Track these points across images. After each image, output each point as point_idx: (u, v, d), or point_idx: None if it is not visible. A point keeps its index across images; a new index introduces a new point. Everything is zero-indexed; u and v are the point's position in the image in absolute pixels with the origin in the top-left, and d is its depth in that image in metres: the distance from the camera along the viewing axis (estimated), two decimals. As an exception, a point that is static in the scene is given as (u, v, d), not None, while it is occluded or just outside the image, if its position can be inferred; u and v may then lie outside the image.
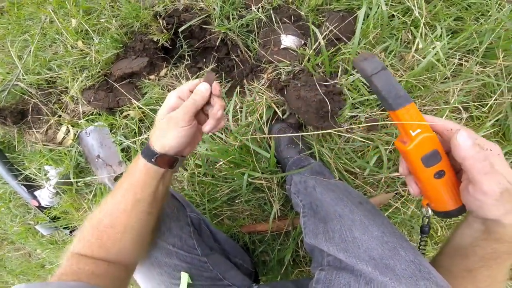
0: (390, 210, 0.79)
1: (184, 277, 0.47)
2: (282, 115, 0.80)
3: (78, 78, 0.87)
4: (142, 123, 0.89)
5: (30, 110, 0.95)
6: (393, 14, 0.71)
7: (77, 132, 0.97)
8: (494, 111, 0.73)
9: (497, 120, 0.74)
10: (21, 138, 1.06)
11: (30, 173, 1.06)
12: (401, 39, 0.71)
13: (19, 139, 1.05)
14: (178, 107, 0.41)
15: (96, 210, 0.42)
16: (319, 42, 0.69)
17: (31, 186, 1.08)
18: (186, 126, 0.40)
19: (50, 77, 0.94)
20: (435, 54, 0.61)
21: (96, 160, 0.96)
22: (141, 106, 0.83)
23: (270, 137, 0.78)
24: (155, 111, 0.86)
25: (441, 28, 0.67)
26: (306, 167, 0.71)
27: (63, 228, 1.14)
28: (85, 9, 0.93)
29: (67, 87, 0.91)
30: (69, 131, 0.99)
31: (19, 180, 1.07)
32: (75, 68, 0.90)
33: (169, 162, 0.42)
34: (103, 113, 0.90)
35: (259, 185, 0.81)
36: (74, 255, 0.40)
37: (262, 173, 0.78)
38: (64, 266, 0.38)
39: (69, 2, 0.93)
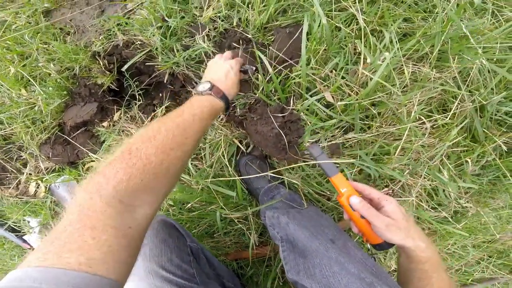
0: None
1: None
2: (246, 149, 0.78)
3: (31, 132, 0.83)
4: None
5: None
6: (338, 26, 0.64)
7: (47, 185, 0.95)
8: (459, 115, 0.70)
9: (462, 127, 0.72)
10: (-7, 194, 1.04)
11: (13, 223, 1.06)
12: (350, 52, 0.65)
13: (-8, 195, 1.04)
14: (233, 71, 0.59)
15: (162, 131, 0.38)
16: (268, 69, 0.65)
17: (19, 231, 1.09)
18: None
19: (4, 132, 0.89)
20: (386, 66, 0.57)
21: (72, 209, 0.96)
22: (100, 159, 0.80)
23: (235, 177, 0.76)
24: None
25: (390, 34, 0.60)
26: (277, 197, 0.72)
27: None
28: (18, 54, 0.85)
29: (23, 143, 0.87)
30: (39, 185, 0.98)
31: (6, 229, 1.08)
32: (27, 120, 0.85)
33: (228, 106, 0.57)
34: (66, 168, 0.87)
35: (235, 217, 0.80)
36: (111, 202, 0.31)
37: (236, 207, 0.79)
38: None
39: (0, 47, 0.84)
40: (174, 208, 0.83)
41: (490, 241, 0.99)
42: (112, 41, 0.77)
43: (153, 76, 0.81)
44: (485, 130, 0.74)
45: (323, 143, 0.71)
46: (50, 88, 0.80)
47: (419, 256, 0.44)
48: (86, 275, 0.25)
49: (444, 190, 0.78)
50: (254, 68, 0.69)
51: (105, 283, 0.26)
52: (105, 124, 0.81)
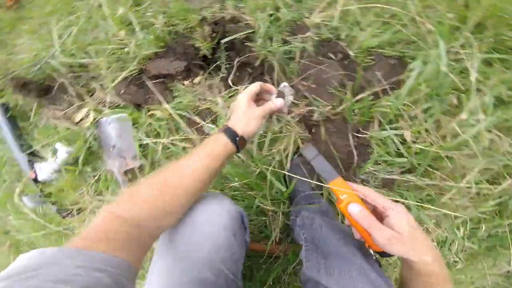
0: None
1: None
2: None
3: (112, 67, 0.86)
4: (167, 124, 0.88)
5: (55, 87, 0.94)
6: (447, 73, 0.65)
7: (97, 117, 0.96)
8: (501, 190, 0.72)
9: (499, 203, 0.74)
10: (38, 111, 1.04)
11: (37, 147, 1.04)
12: (446, 102, 0.68)
13: (36, 111, 1.04)
14: (251, 103, 0.53)
15: (159, 172, 0.45)
16: (366, 93, 0.69)
17: (32, 158, 1.05)
18: (263, 121, 0.54)
19: (85, 61, 0.93)
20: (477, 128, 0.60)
21: (111, 149, 0.95)
22: (169, 109, 0.82)
23: (289, 175, 0.77)
24: (182, 117, 0.85)
25: (491, 98, 0.63)
26: (315, 205, 0.72)
27: (52, 203, 1.09)
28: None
29: (100, 74, 0.90)
30: (89, 115, 0.98)
31: (24, 149, 1.05)
32: (112, 57, 0.90)
33: (243, 144, 0.52)
34: (129, 107, 0.88)
35: (265, 209, 0.81)
36: (117, 217, 0.39)
37: (272, 200, 0.79)
38: (102, 226, 0.38)
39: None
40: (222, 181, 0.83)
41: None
42: (222, 12, 0.83)
43: (241, 56, 0.86)
44: None
45: (381, 173, 0.72)
46: (151, 37, 0.85)
47: (424, 270, 0.41)
48: (106, 255, 0.33)
49: (450, 244, 0.79)
50: (291, 94, 0.59)
51: (123, 262, 0.34)
52: (186, 82, 0.84)
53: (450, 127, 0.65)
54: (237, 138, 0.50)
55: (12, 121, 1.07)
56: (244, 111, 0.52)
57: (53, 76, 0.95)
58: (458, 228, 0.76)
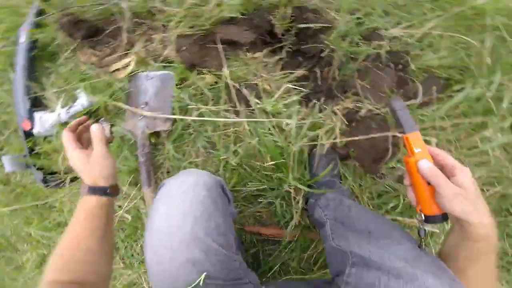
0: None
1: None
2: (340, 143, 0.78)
3: (178, 22, 0.81)
4: (211, 89, 0.80)
5: (108, 31, 0.87)
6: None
7: (137, 70, 0.86)
8: None
9: None
10: (74, 53, 0.95)
11: (48, 92, 0.90)
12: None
13: (72, 53, 0.94)
14: (82, 151, 0.53)
15: (59, 246, 0.47)
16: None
17: (34, 105, 0.87)
18: (108, 154, 0.54)
19: (156, 9, 0.87)
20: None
21: (142, 106, 0.83)
22: (227, 76, 0.75)
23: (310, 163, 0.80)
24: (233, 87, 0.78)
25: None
26: (337, 189, 0.75)
27: (38, 169, 0.88)
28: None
29: (164, 25, 0.84)
30: (128, 65, 0.89)
31: (31, 92, 0.87)
32: (189, 10, 0.82)
33: (116, 189, 0.53)
34: (182, 66, 0.81)
35: (287, 193, 0.79)
36: (51, 283, 0.43)
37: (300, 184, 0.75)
38: None
39: None
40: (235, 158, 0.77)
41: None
42: (305, 2, 0.83)
43: (304, 44, 0.83)
44: None
45: (399, 171, 0.77)
46: (238, 1, 0.82)
47: (478, 233, 0.41)
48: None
49: None
50: (108, 125, 0.62)
51: None
52: (248, 54, 0.80)
53: (472, 139, 0.73)
54: (107, 190, 0.51)
55: (31, 60, 0.89)
56: (84, 163, 0.51)
57: (112, 19, 0.88)
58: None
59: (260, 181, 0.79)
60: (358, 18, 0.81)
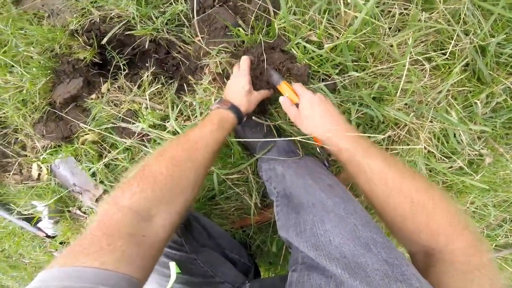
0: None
1: (172, 266, 0.44)
2: None
3: (23, 113, 0.84)
4: (102, 144, 0.87)
5: None
6: None
7: (48, 166, 0.97)
8: (459, 56, 0.67)
9: (466, 65, 0.69)
10: (1, 182, 1.08)
11: (22, 210, 1.09)
12: None
13: (-1, 183, 1.07)
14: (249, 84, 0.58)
15: (168, 147, 0.43)
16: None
17: (31, 219, 1.10)
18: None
19: None
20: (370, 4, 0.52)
21: (74, 188, 0.98)
22: (93, 129, 0.80)
23: (238, 134, 0.74)
24: (109, 130, 0.83)
25: None
26: (273, 148, 0.68)
27: None
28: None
29: (17, 125, 0.89)
30: (40, 167, 1.00)
31: (19, 218, 1.12)
32: (17, 102, 0.86)
33: (241, 116, 0.57)
34: (61, 144, 0.88)
35: (235, 179, 0.78)
36: (122, 209, 0.34)
37: (234, 167, 0.76)
38: (99, 230, 0.32)
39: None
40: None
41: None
42: (88, 18, 0.77)
43: (135, 46, 0.79)
44: (490, 72, 0.69)
45: (320, 83, 0.67)
46: (34, 69, 0.81)
47: (330, 146, 0.46)
48: (98, 270, 0.28)
49: (455, 135, 0.72)
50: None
51: (119, 277, 0.29)
52: (93, 96, 0.81)
53: (346, 15, 0.59)
54: (243, 117, 0.57)
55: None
56: (246, 93, 0.57)
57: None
58: (447, 113, 0.68)
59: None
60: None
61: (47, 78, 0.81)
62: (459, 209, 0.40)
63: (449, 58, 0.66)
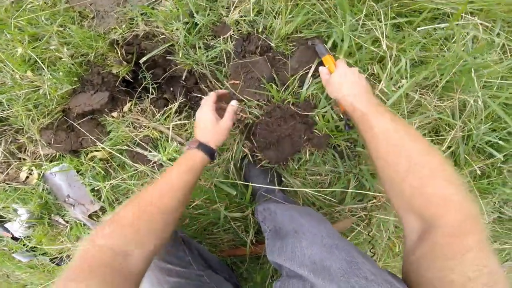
0: (354, 233, 0.85)
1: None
2: (252, 158, 0.79)
3: (32, 115, 0.79)
4: (109, 163, 0.84)
5: None
6: (362, 45, 0.68)
7: (41, 172, 0.91)
8: (448, 142, 0.74)
9: (451, 152, 0.77)
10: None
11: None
12: (368, 71, 0.69)
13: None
14: (216, 116, 0.58)
15: (137, 194, 0.46)
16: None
17: (3, 218, 1.02)
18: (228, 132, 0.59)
19: (1, 114, 0.85)
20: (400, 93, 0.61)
21: (67, 199, 0.91)
22: (106, 148, 0.78)
23: (242, 178, 0.80)
24: (122, 151, 0.81)
25: (406, 62, 0.66)
26: (271, 199, 0.75)
27: (42, 254, 1.10)
28: (31, 35, 0.82)
29: (22, 126, 0.83)
30: (31, 171, 0.93)
31: None
32: (29, 103, 0.82)
33: (214, 157, 0.57)
34: (66, 156, 0.83)
35: (236, 217, 0.83)
36: (100, 248, 0.39)
37: (238, 206, 0.82)
38: (82, 262, 0.37)
39: (11, 26, 0.81)
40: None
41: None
42: (133, 31, 0.75)
43: (167, 71, 0.80)
44: (466, 157, 0.78)
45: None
46: (61, 73, 0.78)
47: (345, 105, 0.52)
48: None
49: None
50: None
51: None
52: (114, 114, 0.79)
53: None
54: (215, 153, 0.56)
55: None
56: (213, 125, 0.57)
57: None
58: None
59: (204, 215, 0.82)
60: (185, 23, 0.73)
61: (72, 86, 0.78)
62: (459, 179, 0.36)
63: (438, 142, 0.75)
